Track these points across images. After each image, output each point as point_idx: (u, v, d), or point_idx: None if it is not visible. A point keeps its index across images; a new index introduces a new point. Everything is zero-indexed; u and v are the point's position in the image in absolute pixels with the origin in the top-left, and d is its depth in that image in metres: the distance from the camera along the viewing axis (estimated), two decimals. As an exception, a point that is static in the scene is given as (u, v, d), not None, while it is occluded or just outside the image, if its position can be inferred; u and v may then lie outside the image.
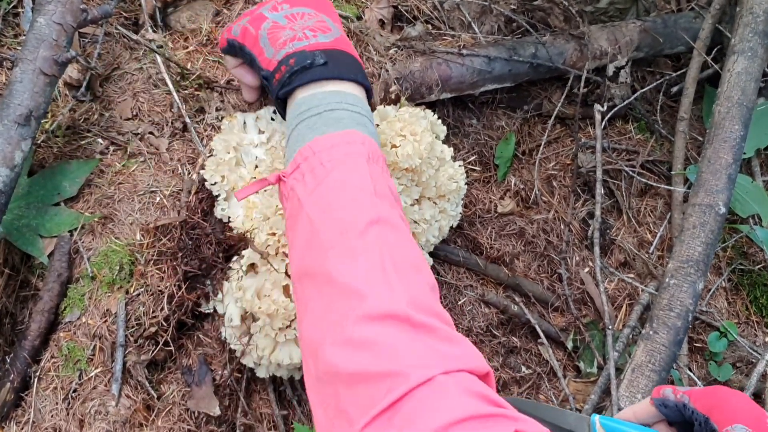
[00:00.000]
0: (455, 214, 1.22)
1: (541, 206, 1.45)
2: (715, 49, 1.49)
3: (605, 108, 1.43)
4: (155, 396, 1.08)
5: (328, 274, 0.67)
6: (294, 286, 0.75)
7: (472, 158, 1.43)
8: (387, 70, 1.20)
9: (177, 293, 1.07)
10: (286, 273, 1.00)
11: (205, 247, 1.07)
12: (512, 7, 1.48)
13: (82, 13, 1.05)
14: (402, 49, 1.25)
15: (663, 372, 1.11)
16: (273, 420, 1.16)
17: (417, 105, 1.24)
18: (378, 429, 0.55)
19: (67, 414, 1.03)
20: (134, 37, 1.19)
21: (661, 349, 1.12)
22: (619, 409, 1.04)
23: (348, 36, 1.21)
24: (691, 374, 1.29)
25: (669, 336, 1.13)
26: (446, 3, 1.44)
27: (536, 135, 1.51)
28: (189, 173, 1.14)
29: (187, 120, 1.16)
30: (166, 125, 1.17)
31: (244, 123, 1.11)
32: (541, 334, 1.31)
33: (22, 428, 1.02)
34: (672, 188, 1.44)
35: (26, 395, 1.04)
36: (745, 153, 1.31)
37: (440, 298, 1.29)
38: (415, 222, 1.12)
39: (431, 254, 1.23)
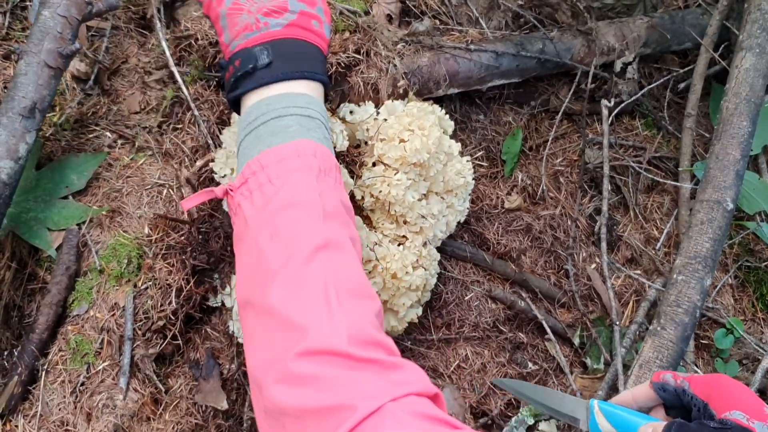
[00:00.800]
0: (462, 209, 1.22)
1: (548, 202, 1.44)
2: (723, 46, 1.49)
3: (612, 104, 1.43)
4: (163, 390, 1.08)
5: (271, 306, 0.65)
6: (239, 312, 0.74)
7: (479, 154, 1.43)
8: (395, 65, 1.20)
9: (185, 287, 1.07)
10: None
11: (213, 241, 1.07)
12: (520, 2, 1.48)
13: (87, 5, 1.05)
14: (410, 44, 1.25)
15: (670, 368, 1.11)
16: (280, 414, 1.16)
17: (424, 100, 1.24)
18: None
19: (75, 407, 1.03)
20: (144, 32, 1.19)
21: (668, 345, 1.12)
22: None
23: (356, 31, 1.20)
24: (698, 371, 1.29)
25: (676, 332, 1.12)
26: (453, -2, 1.44)
27: (543, 131, 1.50)
28: (195, 166, 1.14)
29: (196, 113, 1.16)
30: (174, 119, 1.17)
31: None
32: (548, 330, 1.31)
33: (29, 421, 1.02)
34: (679, 184, 1.44)
35: (34, 388, 1.04)
36: (752, 150, 1.30)
37: (447, 293, 1.30)
38: (423, 217, 1.12)
39: (438, 249, 1.23)
